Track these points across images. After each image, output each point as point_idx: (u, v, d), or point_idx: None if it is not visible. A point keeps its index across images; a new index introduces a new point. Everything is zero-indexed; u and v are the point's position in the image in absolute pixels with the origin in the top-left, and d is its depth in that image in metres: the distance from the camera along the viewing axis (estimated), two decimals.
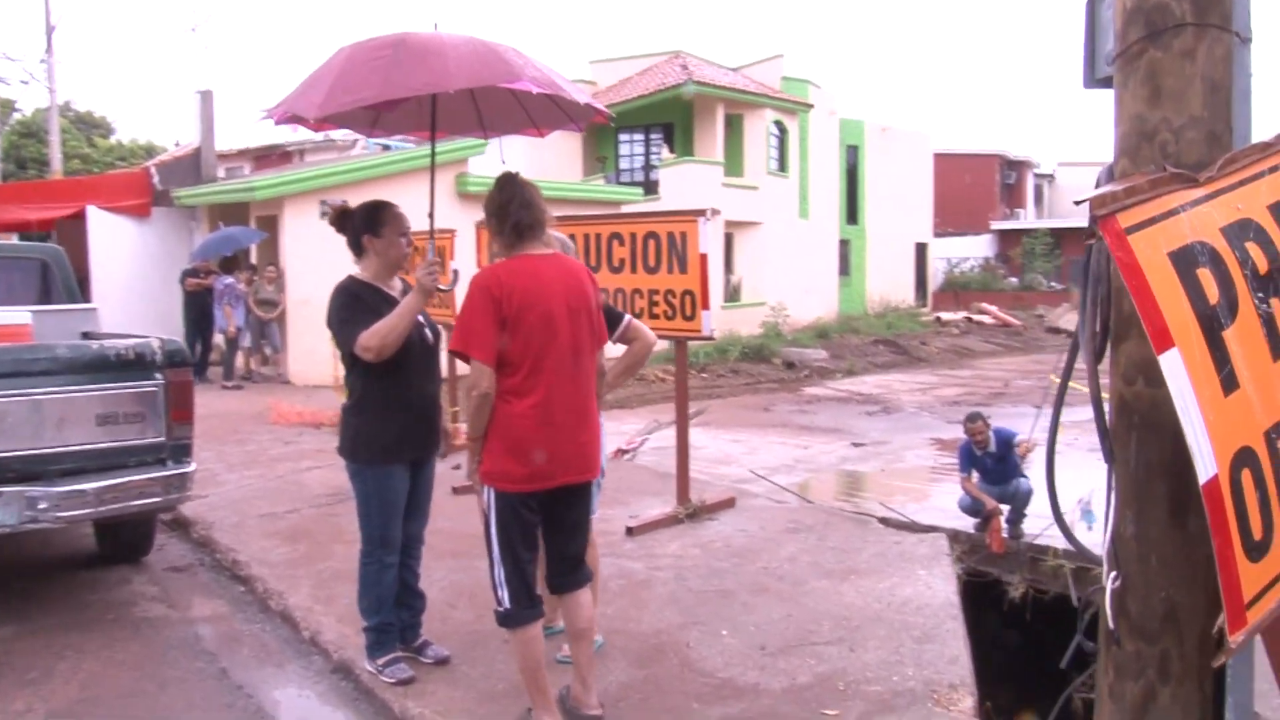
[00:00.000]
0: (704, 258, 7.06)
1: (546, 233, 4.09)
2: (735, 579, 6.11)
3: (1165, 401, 2.40)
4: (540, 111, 5.02)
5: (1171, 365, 2.03)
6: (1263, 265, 2.30)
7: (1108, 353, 2.60)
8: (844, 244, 32.85)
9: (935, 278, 38.02)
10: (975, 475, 9.04)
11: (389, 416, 4.60)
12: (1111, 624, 2.48)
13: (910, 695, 4.46)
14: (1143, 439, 2.48)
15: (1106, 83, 2.63)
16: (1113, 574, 2.50)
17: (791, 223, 29.69)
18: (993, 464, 9.03)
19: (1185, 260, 2.13)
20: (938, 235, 37.97)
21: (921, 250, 36.78)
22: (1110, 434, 2.55)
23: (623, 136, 28.52)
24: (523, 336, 3.87)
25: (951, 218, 39.22)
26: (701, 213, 7.13)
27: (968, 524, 9.03)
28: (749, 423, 15.77)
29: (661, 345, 6.11)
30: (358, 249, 4.73)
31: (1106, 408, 2.60)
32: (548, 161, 24.06)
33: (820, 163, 31.60)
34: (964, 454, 9.10)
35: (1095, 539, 8.31)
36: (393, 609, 4.74)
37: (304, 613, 5.59)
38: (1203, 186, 2.27)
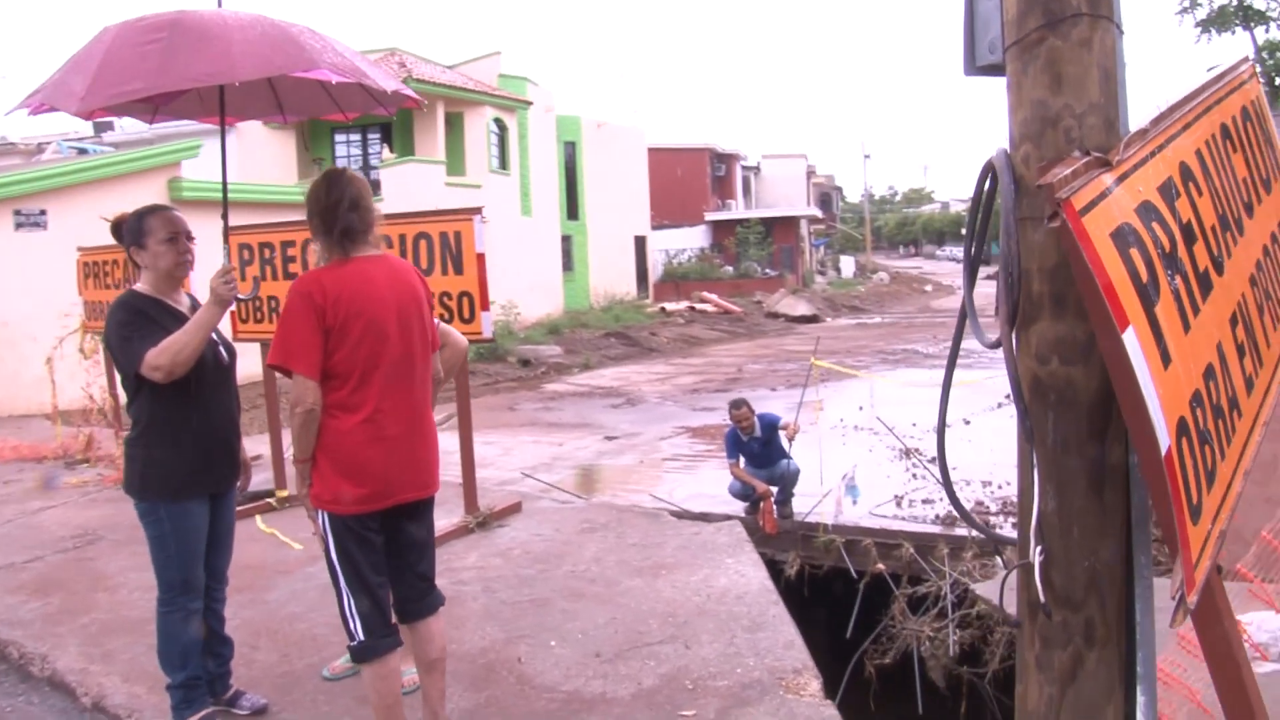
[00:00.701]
0: (481, 257, 6.82)
1: (374, 233, 3.76)
2: (547, 586, 5.94)
3: (1080, 379, 2.46)
4: (345, 95, 4.65)
5: (1130, 344, 2.06)
6: (1165, 244, 2.38)
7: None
8: (566, 240, 33.07)
9: (655, 269, 38.98)
10: (742, 460, 9.26)
11: (182, 446, 4.12)
12: (1041, 596, 2.51)
13: (759, 686, 4.46)
14: (1060, 416, 2.52)
15: (989, 70, 2.67)
16: (1039, 548, 2.53)
17: (515, 220, 29.55)
18: (759, 448, 9.27)
19: (1121, 240, 2.17)
20: (655, 228, 38.95)
21: (641, 243, 37.61)
22: (1029, 413, 2.57)
23: (339, 137, 27.45)
24: (349, 346, 3.54)
25: (667, 210, 40.36)
26: (477, 210, 6.89)
27: (739, 509, 9.28)
28: (497, 423, 15.55)
29: None
30: (135, 263, 4.22)
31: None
32: (260, 162, 22.78)
33: (540, 160, 31.64)
34: (730, 441, 9.29)
35: (858, 514, 8.72)
36: (199, 660, 4.26)
37: (78, 675, 4.92)
38: (1114, 170, 2.33)
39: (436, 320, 4.34)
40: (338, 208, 3.62)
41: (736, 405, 9.24)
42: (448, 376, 4.45)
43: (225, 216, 4.40)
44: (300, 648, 5.07)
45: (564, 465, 11.82)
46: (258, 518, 7.45)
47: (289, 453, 4.02)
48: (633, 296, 35.53)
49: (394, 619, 3.75)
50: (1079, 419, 2.49)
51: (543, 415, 16.46)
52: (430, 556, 3.93)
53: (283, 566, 6.44)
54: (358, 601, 3.61)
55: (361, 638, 3.62)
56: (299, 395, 3.51)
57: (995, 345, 2.78)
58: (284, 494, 7.94)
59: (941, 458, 2.88)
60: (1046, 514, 2.60)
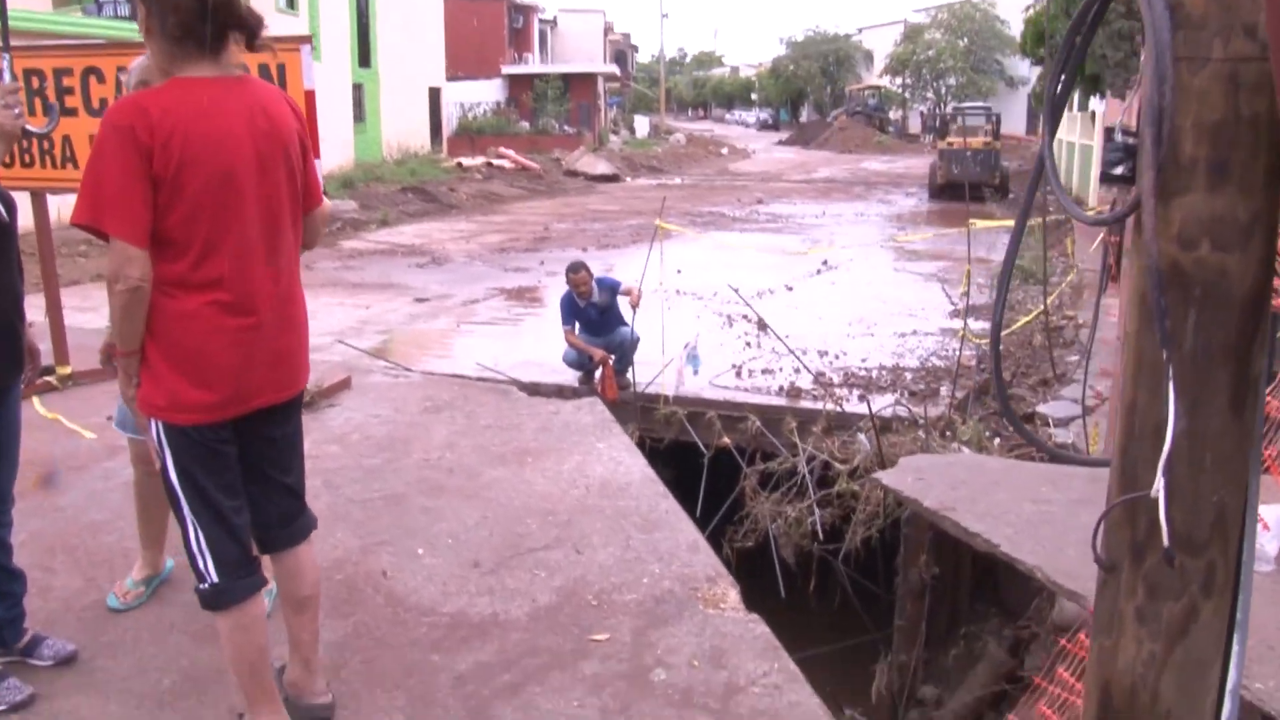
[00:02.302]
0: (311, 95, 5.72)
1: (234, 48, 2.73)
2: (399, 479, 5.13)
3: (1234, 269, 1.84)
4: None
5: None
6: None
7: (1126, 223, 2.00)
8: (358, 89, 30.72)
9: (450, 123, 36.97)
10: (577, 326, 8.61)
11: None
12: (1166, 539, 1.95)
13: (674, 600, 3.87)
14: (1204, 315, 1.92)
15: None
16: (1164, 481, 1.96)
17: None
18: (596, 315, 8.63)
19: None
20: (450, 80, 36.81)
21: (435, 95, 35.48)
22: (1167, 311, 1.97)
23: None
24: (189, 203, 2.56)
25: (463, 62, 38.15)
26: (305, 40, 5.77)
27: (573, 377, 8.68)
28: None
29: None
30: None
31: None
32: None
33: (330, 1, 29.10)
34: (566, 306, 8.59)
35: (699, 385, 8.25)
36: None
37: None
38: None
39: None
40: None
41: (575, 269, 8.50)
42: (313, 244, 3.43)
43: (4, 25, 3.25)
44: (109, 568, 4.09)
45: (374, 330, 10.83)
46: (35, 400, 6.21)
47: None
48: (427, 151, 33.60)
49: (255, 550, 2.90)
50: (1228, 319, 1.90)
51: (344, 275, 15.18)
52: (299, 466, 3.07)
53: (75, 461, 5.32)
54: (208, 533, 2.73)
55: (215, 579, 2.75)
56: (119, 268, 2.53)
57: (1100, 222, 2.15)
58: (66, 371, 6.70)
59: (998, 373, 2.28)
60: (1176, 436, 2.03)
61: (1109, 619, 2.15)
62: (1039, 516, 4.15)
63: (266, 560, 2.98)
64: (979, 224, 9.61)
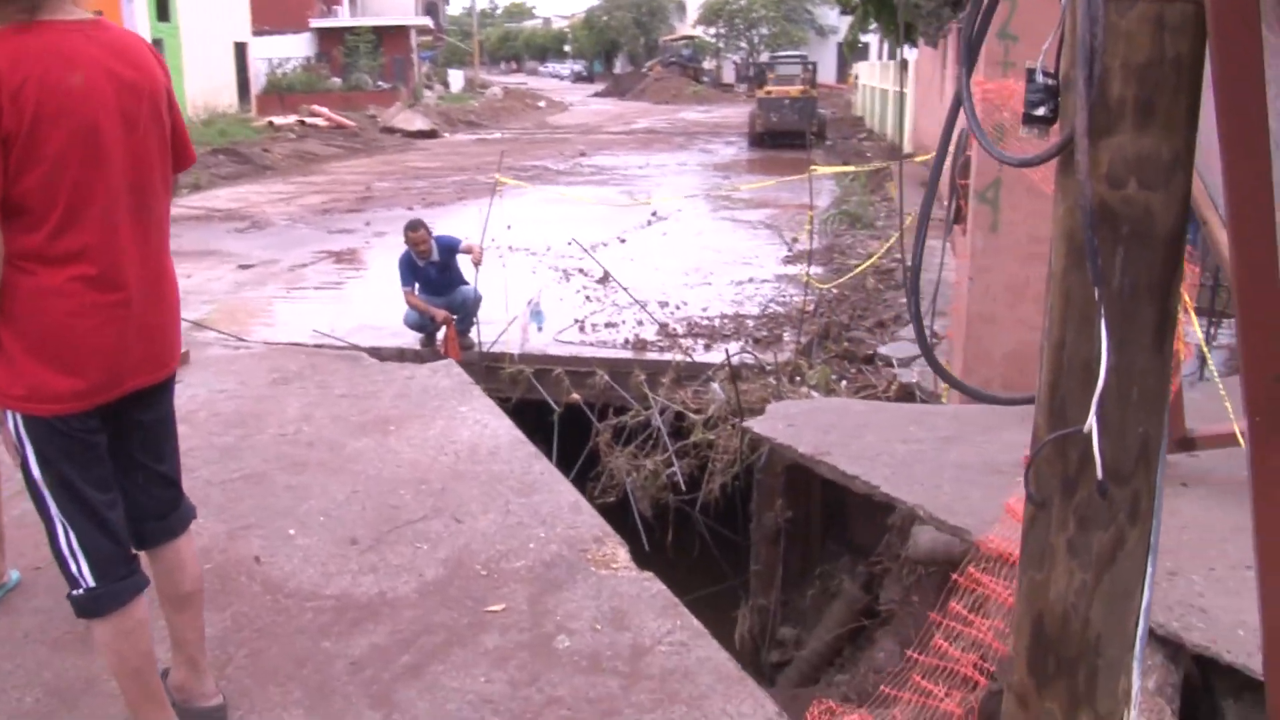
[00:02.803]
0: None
1: None
2: (257, 457, 4.84)
3: (1158, 208, 1.90)
4: None
5: None
6: None
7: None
8: (157, 44, 28.79)
9: (258, 80, 35.12)
10: (417, 287, 8.37)
11: None
12: (1100, 472, 1.97)
13: (564, 563, 3.78)
14: (1132, 253, 1.95)
15: None
16: (1097, 416, 1.98)
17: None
18: (436, 274, 8.40)
19: None
20: (256, 34, 35.01)
21: (241, 50, 33.60)
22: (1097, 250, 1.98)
23: None
24: (46, 164, 2.28)
25: (268, 15, 36.17)
26: None
27: (414, 340, 8.46)
28: None
29: None
30: None
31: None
32: None
33: None
34: (405, 266, 8.33)
35: (543, 341, 8.15)
36: None
37: None
38: None
39: None
40: None
41: (413, 227, 8.23)
42: None
43: None
44: None
45: (200, 300, 10.22)
46: None
47: None
48: (235, 110, 31.86)
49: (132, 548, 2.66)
50: (1153, 257, 1.94)
51: None
52: (174, 451, 2.81)
53: None
54: (80, 533, 2.47)
55: (91, 583, 2.49)
56: None
57: (1026, 164, 2.15)
58: None
59: (915, 305, 2.28)
60: (1107, 373, 2.06)
61: (1039, 553, 2.18)
62: (911, 456, 4.24)
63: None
64: (819, 169, 9.76)
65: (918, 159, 10.67)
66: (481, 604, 3.50)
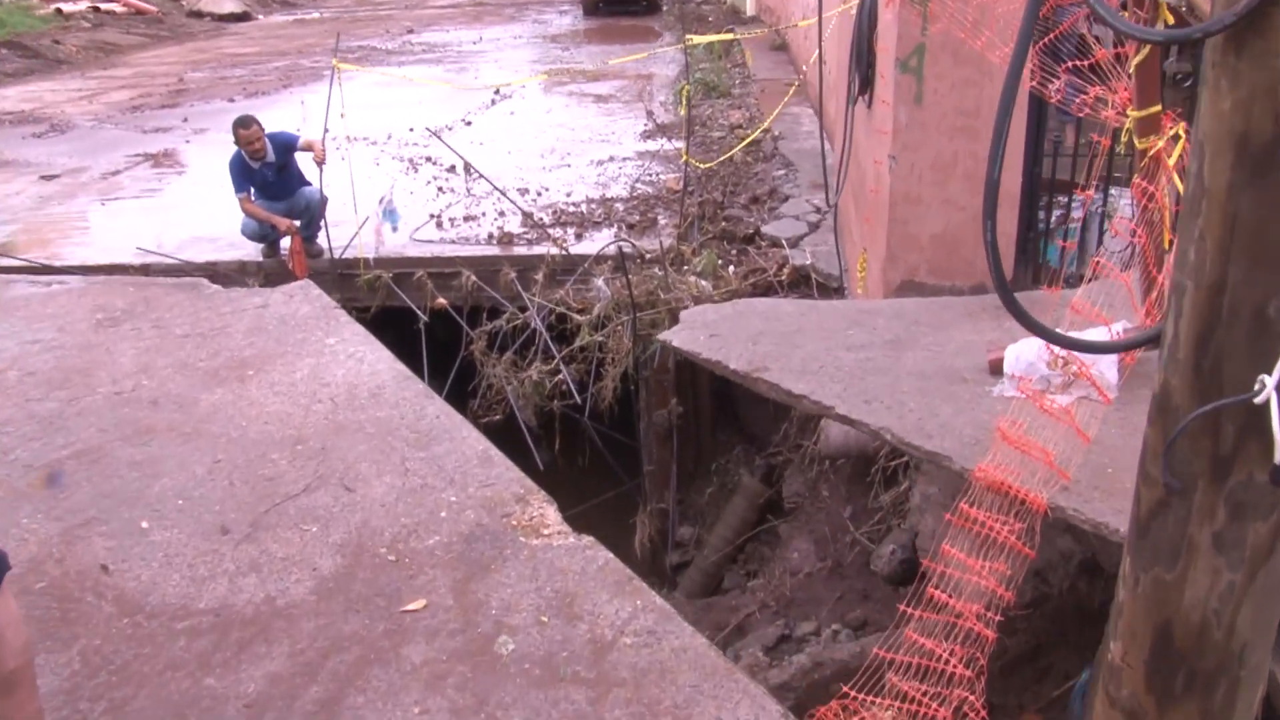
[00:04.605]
0: None
1: None
2: (89, 426, 3.95)
3: None
4: None
5: None
6: None
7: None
8: None
9: None
10: (253, 192, 7.38)
11: None
12: (1278, 455, 1.43)
13: (487, 535, 3.12)
14: None
15: None
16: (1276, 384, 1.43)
17: None
18: (273, 176, 7.41)
19: None
20: None
21: None
22: None
23: None
24: None
25: None
26: None
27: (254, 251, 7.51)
28: None
29: None
30: None
31: None
32: None
33: None
34: (237, 169, 7.28)
35: (400, 241, 7.35)
36: None
37: None
38: None
39: None
40: None
41: (244, 123, 7.15)
42: None
43: None
44: None
45: None
46: None
47: None
48: None
49: None
50: None
51: None
52: None
53: None
54: None
55: None
56: None
57: (1177, 39, 1.57)
58: None
59: (994, 251, 1.68)
60: None
61: (1171, 549, 1.66)
62: (860, 366, 3.71)
63: None
64: (695, 40, 8.99)
65: (801, 23, 9.97)
66: (396, 602, 2.83)
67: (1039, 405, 2.96)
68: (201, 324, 4.97)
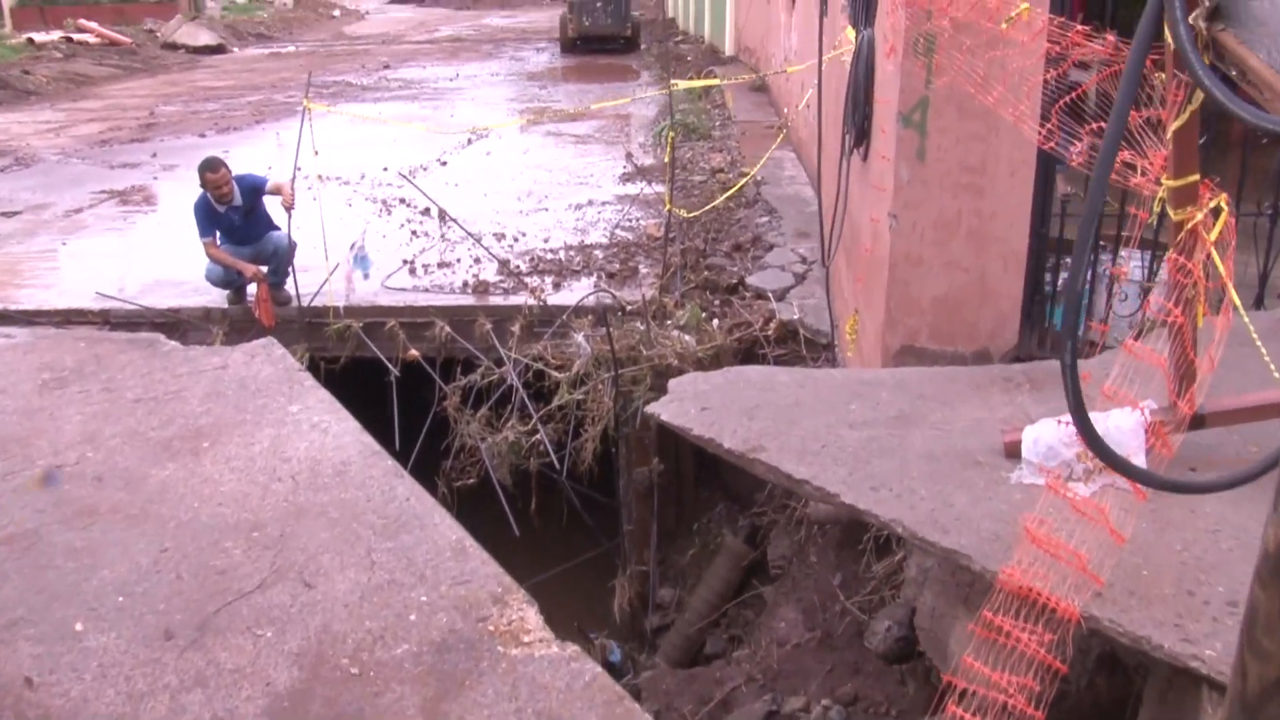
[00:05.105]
0: None
1: None
2: (24, 506, 3.58)
3: None
4: None
5: None
6: None
7: None
8: None
9: None
10: (219, 237, 7.06)
11: None
12: None
13: (461, 643, 2.80)
14: None
15: None
16: None
17: None
18: (240, 220, 7.11)
19: None
20: None
21: None
22: None
23: None
24: None
25: None
26: None
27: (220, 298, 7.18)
28: None
29: None
30: None
31: None
32: None
33: None
34: (202, 213, 6.96)
35: (371, 288, 7.04)
36: None
37: None
38: None
39: None
40: None
41: (211, 166, 6.84)
42: None
43: None
44: None
45: None
46: None
47: None
48: None
49: None
50: None
51: None
52: None
53: None
54: None
55: None
56: None
57: None
58: None
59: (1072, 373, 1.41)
60: None
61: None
62: (865, 446, 3.42)
63: None
64: (681, 85, 8.76)
65: (790, 70, 9.77)
66: None
67: (1070, 503, 2.68)
68: (155, 387, 4.62)
